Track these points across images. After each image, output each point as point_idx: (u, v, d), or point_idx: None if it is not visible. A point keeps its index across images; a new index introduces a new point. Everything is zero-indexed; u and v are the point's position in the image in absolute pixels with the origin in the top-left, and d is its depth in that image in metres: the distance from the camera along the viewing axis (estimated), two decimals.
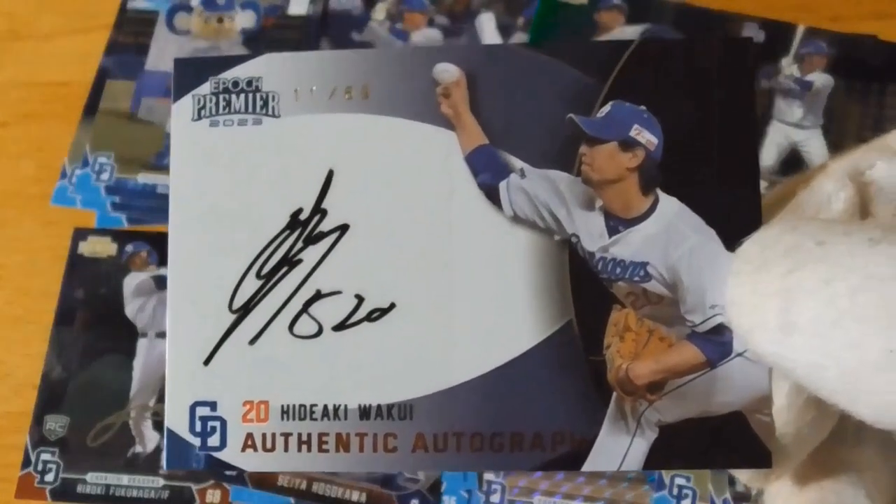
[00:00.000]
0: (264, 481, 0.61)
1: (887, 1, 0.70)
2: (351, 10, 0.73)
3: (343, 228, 0.33)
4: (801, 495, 0.33)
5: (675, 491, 0.61)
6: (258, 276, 0.33)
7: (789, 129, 0.65)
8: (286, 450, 0.32)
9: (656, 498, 0.61)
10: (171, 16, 0.74)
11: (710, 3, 0.70)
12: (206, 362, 0.33)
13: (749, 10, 0.70)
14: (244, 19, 0.74)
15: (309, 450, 0.32)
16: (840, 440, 0.33)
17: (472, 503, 0.61)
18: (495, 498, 0.61)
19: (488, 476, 0.61)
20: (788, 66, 0.67)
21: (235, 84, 0.33)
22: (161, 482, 0.62)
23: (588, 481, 0.61)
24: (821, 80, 0.68)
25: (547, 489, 0.61)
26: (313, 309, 0.33)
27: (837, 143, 0.67)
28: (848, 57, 0.69)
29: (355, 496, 0.61)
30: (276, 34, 0.72)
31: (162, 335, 0.65)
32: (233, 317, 0.33)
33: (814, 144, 0.67)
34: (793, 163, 0.63)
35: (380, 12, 0.73)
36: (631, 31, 0.68)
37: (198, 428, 0.33)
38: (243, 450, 0.33)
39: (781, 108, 0.66)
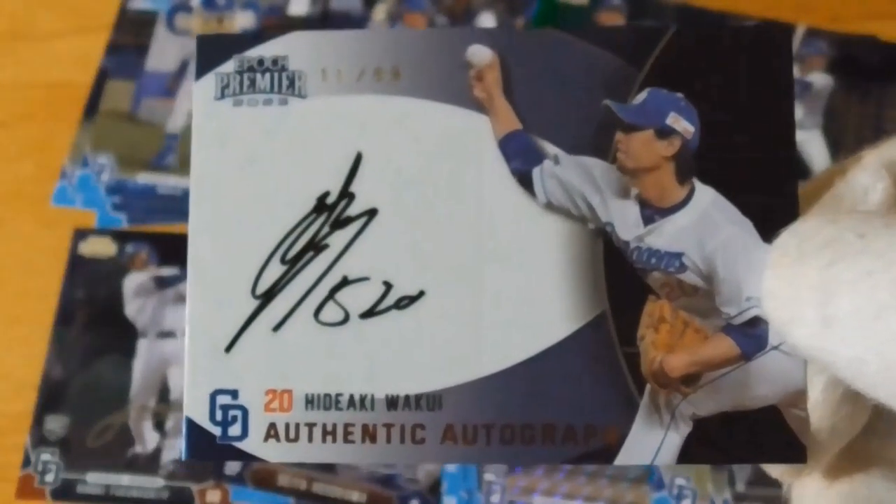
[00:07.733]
0: (264, 481, 0.61)
1: (887, 1, 0.71)
2: (351, 11, 0.73)
3: (371, 213, 0.32)
4: (833, 489, 0.32)
5: (675, 491, 0.61)
6: (283, 261, 0.32)
7: None
8: (310, 440, 0.32)
9: (656, 498, 0.61)
10: (171, 16, 0.74)
11: (710, 3, 0.70)
12: (228, 349, 0.32)
13: (749, 10, 0.70)
14: (244, 19, 0.74)
15: (334, 440, 0.32)
16: (871, 434, 0.32)
17: (472, 503, 0.61)
18: (495, 498, 0.61)
19: (488, 476, 0.61)
20: None
21: (260, 62, 0.33)
22: (161, 482, 0.62)
23: (588, 481, 0.61)
24: (821, 80, 0.68)
25: (547, 489, 0.61)
26: (340, 295, 0.32)
27: (837, 143, 0.67)
28: (848, 57, 0.69)
29: (355, 496, 0.61)
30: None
31: (162, 335, 0.65)
32: (256, 303, 0.32)
33: (814, 145, 0.67)
34: None
35: (380, 12, 0.73)
36: None
37: (218, 417, 0.32)
38: (266, 440, 0.32)
39: None
